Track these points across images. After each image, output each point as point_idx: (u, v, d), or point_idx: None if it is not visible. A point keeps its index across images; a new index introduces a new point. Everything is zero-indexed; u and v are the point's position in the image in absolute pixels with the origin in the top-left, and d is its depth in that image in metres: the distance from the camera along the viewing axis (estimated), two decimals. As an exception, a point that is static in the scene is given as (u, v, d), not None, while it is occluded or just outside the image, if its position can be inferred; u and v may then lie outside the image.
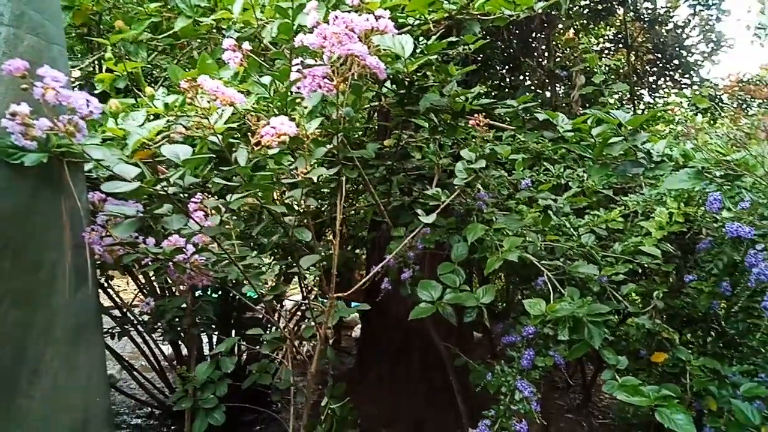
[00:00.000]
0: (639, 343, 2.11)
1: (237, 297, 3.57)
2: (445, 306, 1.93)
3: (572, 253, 2.17)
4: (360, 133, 3.94)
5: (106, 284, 3.33)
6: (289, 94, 1.28)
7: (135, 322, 3.18)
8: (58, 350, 1.15)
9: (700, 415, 1.91)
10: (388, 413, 3.68)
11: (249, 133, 1.01)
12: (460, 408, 2.66)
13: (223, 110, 1.07)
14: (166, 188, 1.08)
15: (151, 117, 1.26)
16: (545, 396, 3.44)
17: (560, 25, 3.99)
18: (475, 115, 1.59)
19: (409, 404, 3.67)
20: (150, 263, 1.34)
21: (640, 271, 2.62)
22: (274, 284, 1.35)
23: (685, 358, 1.96)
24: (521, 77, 4.53)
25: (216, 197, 1.21)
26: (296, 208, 1.28)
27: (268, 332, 1.61)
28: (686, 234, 2.18)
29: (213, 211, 1.14)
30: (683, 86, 4.34)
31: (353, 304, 7.43)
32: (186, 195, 1.23)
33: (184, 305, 1.67)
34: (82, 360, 1.21)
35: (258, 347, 1.66)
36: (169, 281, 1.77)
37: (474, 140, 1.78)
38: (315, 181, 1.24)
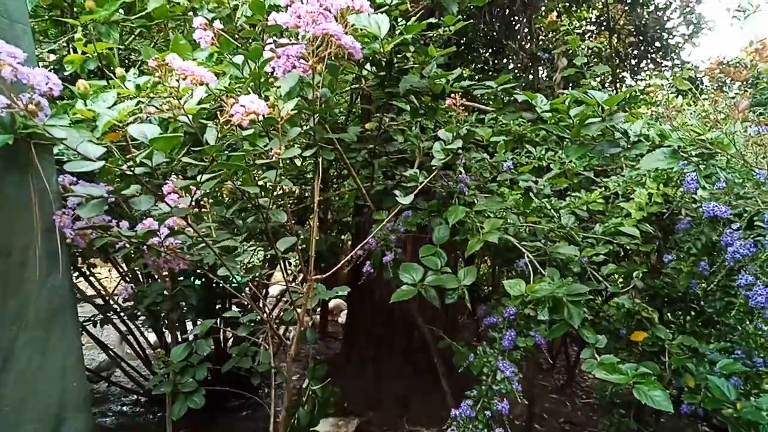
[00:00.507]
0: (619, 323, 2.14)
1: (221, 284, 3.58)
2: (428, 288, 1.93)
3: (553, 235, 2.18)
4: (341, 116, 3.92)
5: (88, 272, 3.31)
6: (263, 74, 1.26)
7: (118, 309, 3.16)
8: (30, 336, 1.14)
9: (680, 392, 1.94)
10: (374, 396, 3.71)
11: (218, 112, 0.99)
12: (445, 389, 2.69)
13: (193, 90, 1.04)
14: (133, 168, 1.06)
15: (122, 99, 1.23)
16: (529, 377, 3.49)
17: (542, 8, 3.97)
18: (452, 95, 1.58)
19: (395, 387, 3.70)
20: (126, 246, 1.32)
21: (621, 253, 2.66)
22: (250, 266, 1.33)
23: (663, 337, 1.99)
24: (504, 60, 4.52)
25: (191, 180, 1.19)
26: (271, 189, 1.26)
27: (247, 315, 1.59)
28: (665, 215, 2.21)
29: (183, 192, 1.12)
30: (664, 68, 4.36)
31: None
32: (160, 177, 1.20)
33: (164, 291, 1.65)
34: (56, 345, 1.19)
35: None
36: (148, 267, 1.74)
37: (454, 122, 1.77)
38: (293, 162, 1.22)
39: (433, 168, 1.75)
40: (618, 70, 4.12)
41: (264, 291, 3.67)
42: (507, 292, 1.92)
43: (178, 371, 1.45)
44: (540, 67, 3.95)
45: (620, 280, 2.22)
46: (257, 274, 1.41)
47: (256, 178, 1.31)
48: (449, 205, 2.11)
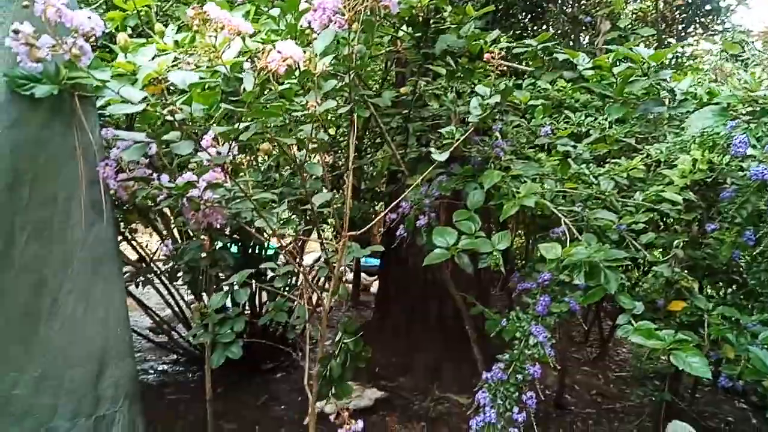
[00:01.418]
0: (657, 293, 2.09)
1: (257, 250, 3.65)
2: (461, 255, 1.92)
3: (591, 203, 2.13)
4: (375, 84, 3.88)
5: (129, 236, 3.43)
6: (299, 27, 1.25)
7: (158, 272, 3.27)
8: (75, 283, 1.18)
9: (717, 367, 1.89)
10: (405, 363, 3.75)
11: (255, 59, 0.99)
12: (476, 356, 2.69)
13: (232, 41, 1.05)
14: (173, 113, 1.08)
15: (162, 54, 1.25)
16: (562, 349, 3.47)
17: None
18: (491, 48, 1.53)
19: (426, 354, 3.74)
20: (166, 199, 1.35)
21: (661, 225, 2.59)
22: (286, 219, 1.34)
23: (703, 307, 1.94)
24: (544, 26, 4.38)
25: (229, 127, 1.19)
26: (306, 142, 1.26)
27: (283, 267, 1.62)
28: (709, 184, 2.12)
29: (222, 140, 1.13)
30: (713, 33, 4.13)
31: (370, 260, 7.45)
32: (200, 131, 1.22)
33: (202, 249, 1.69)
34: (100, 293, 1.24)
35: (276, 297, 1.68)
36: (187, 225, 1.79)
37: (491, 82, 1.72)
38: (326, 131, 1.21)
39: (470, 123, 1.71)
40: (664, 36, 3.94)
41: (300, 255, 3.73)
42: (541, 259, 1.90)
43: (216, 322, 1.50)
44: (582, 33, 3.81)
45: (659, 251, 2.16)
46: (293, 229, 1.42)
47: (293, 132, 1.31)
48: (484, 170, 2.08)
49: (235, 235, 3.17)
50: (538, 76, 1.88)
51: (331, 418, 1.48)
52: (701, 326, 1.95)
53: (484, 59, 1.51)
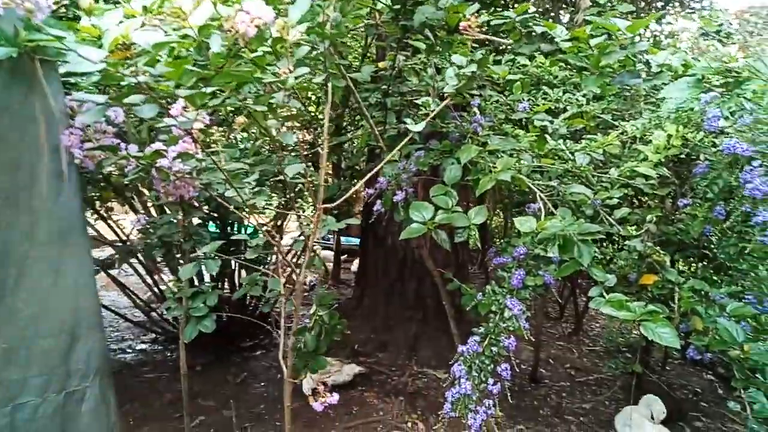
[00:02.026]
0: (630, 267, 2.13)
1: (237, 227, 3.62)
2: (439, 232, 1.92)
3: (567, 178, 2.15)
4: (356, 61, 3.83)
5: (106, 215, 3.37)
6: (271, -8, 1.21)
7: (136, 250, 3.23)
8: (42, 252, 1.16)
9: (687, 337, 1.94)
10: (384, 339, 3.79)
11: (223, 21, 0.96)
12: (453, 332, 2.72)
13: (201, 4, 1.01)
14: (135, 74, 1.04)
15: (129, 18, 1.20)
16: (538, 324, 3.53)
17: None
18: (467, 16, 1.51)
19: (405, 331, 3.77)
20: (135, 170, 1.31)
21: (635, 202, 2.62)
22: (257, 190, 1.31)
23: (674, 280, 1.98)
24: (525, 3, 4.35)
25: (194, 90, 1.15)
26: (278, 109, 1.24)
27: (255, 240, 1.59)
28: (683, 160, 2.15)
29: (190, 106, 1.10)
30: (692, 11, 4.15)
31: (351, 239, 7.46)
32: (168, 101, 1.18)
33: (176, 222, 1.66)
34: (68, 263, 1.21)
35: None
36: (160, 201, 1.75)
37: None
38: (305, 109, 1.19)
39: (446, 94, 1.69)
40: (643, 14, 3.94)
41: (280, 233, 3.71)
42: (518, 234, 1.91)
43: (189, 296, 1.48)
44: (562, 10, 3.80)
45: (633, 226, 2.19)
46: (265, 200, 1.40)
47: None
48: (462, 145, 2.08)
49: (214, 213, 3.14)
50: (516, 48, 1.87)
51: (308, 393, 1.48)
52: (672, 299, 2.00)
53: (460, 28, 1.49)
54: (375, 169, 1.74)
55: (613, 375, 3.35)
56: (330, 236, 6.75)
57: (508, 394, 1.85)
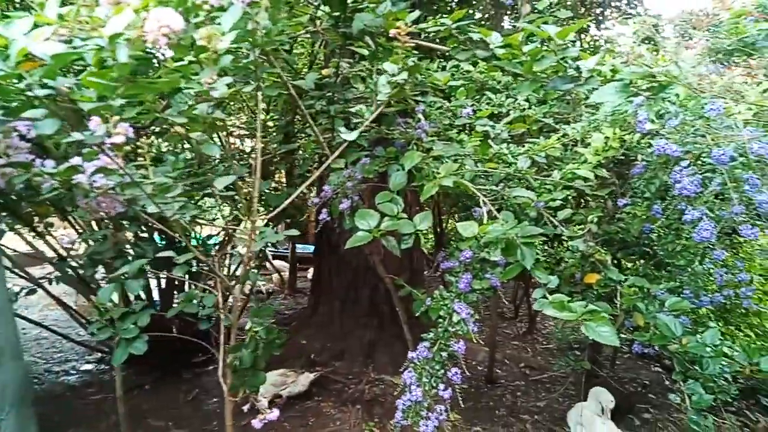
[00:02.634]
0: (575, 267, 2.17)
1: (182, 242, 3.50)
2: (388, 238, 1.92)
3: (512, 182, 2.18)
4: (304, 68, 3.80)
5: (45, 231, 3.20)
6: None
7: (75, 266, 3.08)
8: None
9: (633, 333, 1.99)
10: (340, 347, 3.75)
11: (132, 29, 0.91)
12: (407, 337, 2.72)
13: (120, 15, 0.96)
14: (32, 88, 0.97)
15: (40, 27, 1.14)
16: (493, 326, 3.57)
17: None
18: (398, 23, 1.51)
19: (360, 338, 3.75)
20: (53, 187, 1.24)
21: (579, 202, 2.69)
22: (182, 205, 1.26)
23: (616, 278, 2.02)
24: (470, 11, 4.43)
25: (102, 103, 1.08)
26: (202, 121, 1.19)
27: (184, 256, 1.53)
28: (623, 161, 2.22)
29: (99, 119, 1.04)
30: (628, 17, 4.31)
31: (308, 247, 7.38)
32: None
33: (106, 238, 1.58)
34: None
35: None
36: (84, 217, 1.66)
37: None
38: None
39: (378, 102, 1.69)
40: (583, 19, 4.07)
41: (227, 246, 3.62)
42: (464, 238, 1.92)
43: (118, 317, 1.41)
44: (505, 16, 3.87)
45: (579, 227, 2.24)
46: (191, 215, 1.34)
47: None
48: (407, 152, 2.08)
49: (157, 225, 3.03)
50: (453, 54, 1.88)
51: (245, 408, 1.43)
52: (615, 296, 2.05)
53: (391, 35, 1.48)
54: (314, 176, 1.71)
55: (565, 372, 3.42)
56: (286, 244, 6.66)
57: (460, 399, 1.85)
